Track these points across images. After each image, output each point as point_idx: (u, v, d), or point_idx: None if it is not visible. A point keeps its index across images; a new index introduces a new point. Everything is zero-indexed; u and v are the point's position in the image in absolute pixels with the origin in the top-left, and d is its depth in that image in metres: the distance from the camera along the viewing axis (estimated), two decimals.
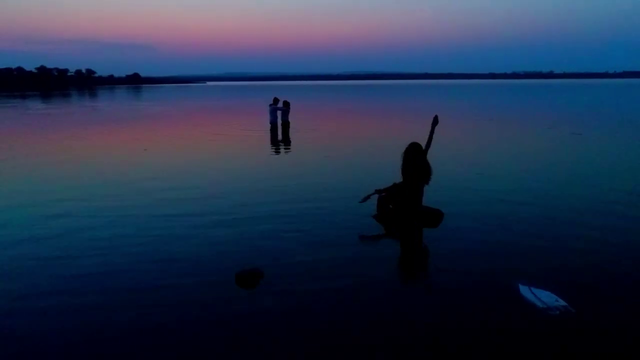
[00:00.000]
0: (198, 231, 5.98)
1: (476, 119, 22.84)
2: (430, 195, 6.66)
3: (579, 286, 4.37)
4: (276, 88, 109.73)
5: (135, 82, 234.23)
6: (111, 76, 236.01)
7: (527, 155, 12.06)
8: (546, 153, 12.33)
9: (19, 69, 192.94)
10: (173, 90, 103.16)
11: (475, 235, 5.84)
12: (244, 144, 15.03)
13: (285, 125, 17.56)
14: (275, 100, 17.74)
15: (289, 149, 13.94)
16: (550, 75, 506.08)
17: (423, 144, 6.45)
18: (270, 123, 17.40)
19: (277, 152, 13.48)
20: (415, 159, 6.29)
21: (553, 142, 14.31)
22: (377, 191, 6.63)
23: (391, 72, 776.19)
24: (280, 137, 16.21)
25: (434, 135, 6.47)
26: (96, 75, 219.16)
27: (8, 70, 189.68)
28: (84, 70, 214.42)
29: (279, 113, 17.46)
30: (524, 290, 4.21)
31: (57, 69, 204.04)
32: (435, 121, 6.48)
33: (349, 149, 13.18)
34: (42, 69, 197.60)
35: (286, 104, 17.78)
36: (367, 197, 6.67)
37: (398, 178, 6.55)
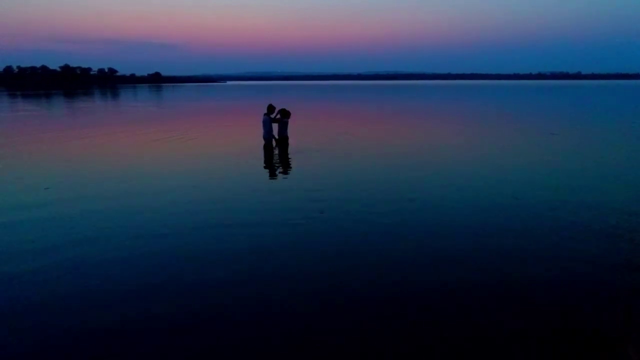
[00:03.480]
0: None
1: (534, 134, 16.72)
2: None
3: None
4: (295, 88, 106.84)
5: (156, 81, 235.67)
6: (133, 75, 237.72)
7: None
8: None
9: (43, 68, 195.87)
10: (187, 90, 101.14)
11: None
12: (221, 171, 10.51)
13: (283, 141, 13.13)
14: (270, 109, 13.04)
15: (281, 176, 9.80)
16: (578, 76, 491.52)
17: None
18: (264, 139, 12.93)
19: (256, 190, 8.57)
20: None
21: None
22: None
23: (413, 72, 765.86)
24: (275, 155, 12.25)
25: None
26: (118, 74, 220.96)
27: (33, 69, 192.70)
28: (106, 69, 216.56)
29: (274, 126, 13.21)
30: None
31: (80, 68, 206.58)
32: None
33: (360, 190, 8.34)
34: (65, 68, 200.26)
35: (285, 114, 13.20)
36: None
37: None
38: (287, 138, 13.26)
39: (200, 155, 12.70)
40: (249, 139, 15.14)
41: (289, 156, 12.07)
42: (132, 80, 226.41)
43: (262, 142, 12.99)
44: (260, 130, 13.31)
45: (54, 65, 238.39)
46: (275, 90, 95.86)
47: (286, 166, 10.93)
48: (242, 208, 7.32)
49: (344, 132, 17.77)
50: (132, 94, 70.51)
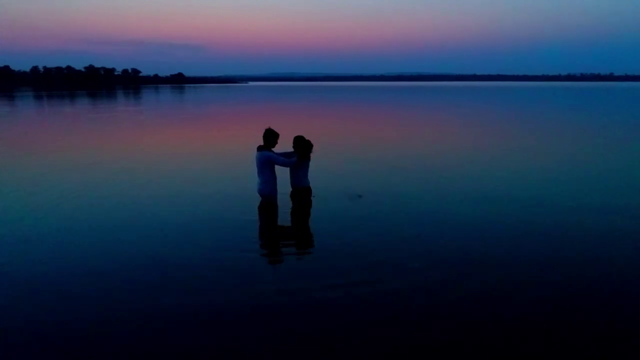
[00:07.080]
0: None
1: None
2: None
3: None
4: (317, 89, 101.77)
5: (179, 81, 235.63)
6: (156, 75, 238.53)
7: None
8: None
9: (69, 68, 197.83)
10: (204, 91, 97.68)
11: None
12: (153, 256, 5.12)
13: (301, 197, 7.04)
14: (270, 136, 6.79)
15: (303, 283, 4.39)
16: (611, 77, 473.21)
17: None
18: (261, 195, 6.89)
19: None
20: None
21: None
22: None
23: (437, 73, 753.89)
24: (286, 226, 6.37)
25: None
26: (141, 74, 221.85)
27: (59, 69, 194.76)
28: (129, 70, 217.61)
29: (280, 170, 7.00)
30: None
31: (104, 69, 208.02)
32: None
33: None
34: (90, 69, 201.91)
35: (302, 144, 6.97)
36: None
37: None
38: (309, 190, 7.06)
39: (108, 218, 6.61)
40: (234, 179, 8.87)
41: (309, 224, 6.30)
42: (155, 81, 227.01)
43: (258, 199, 7.00)
44: (252, 178, 7.17)
45: (79, 65, 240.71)
46: (295, 91, 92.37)
47: (307, 251, 5.43)
48: None
49: (393, 163, 10.92)
50: (139, 96, 67.28)
